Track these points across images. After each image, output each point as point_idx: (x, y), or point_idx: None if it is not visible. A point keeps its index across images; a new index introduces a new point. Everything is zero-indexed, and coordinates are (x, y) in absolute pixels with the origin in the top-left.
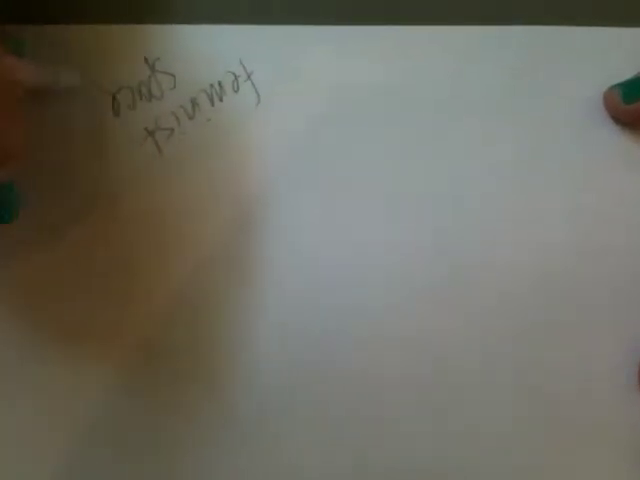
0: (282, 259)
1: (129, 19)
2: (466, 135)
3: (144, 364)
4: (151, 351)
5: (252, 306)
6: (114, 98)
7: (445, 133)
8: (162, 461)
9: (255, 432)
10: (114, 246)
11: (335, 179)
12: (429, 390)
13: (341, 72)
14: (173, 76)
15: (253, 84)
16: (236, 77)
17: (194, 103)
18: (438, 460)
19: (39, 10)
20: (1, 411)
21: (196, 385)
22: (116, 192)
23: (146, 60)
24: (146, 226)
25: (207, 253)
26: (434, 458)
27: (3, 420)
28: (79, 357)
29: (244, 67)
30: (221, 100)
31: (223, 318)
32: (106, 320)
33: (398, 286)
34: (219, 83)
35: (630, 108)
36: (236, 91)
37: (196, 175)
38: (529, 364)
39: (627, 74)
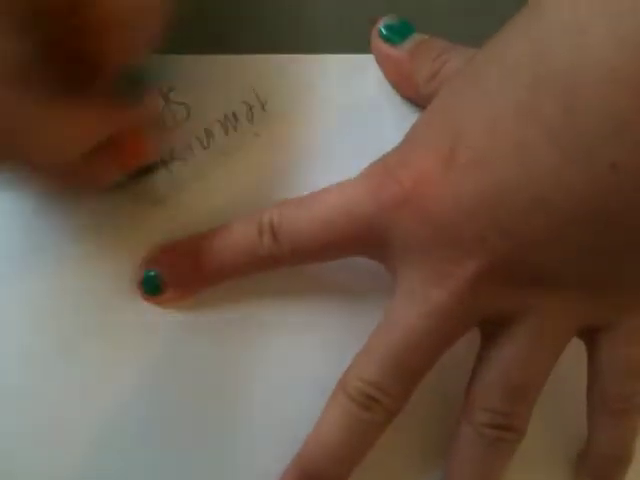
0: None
1: None
2: None
3: None
4: None
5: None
6: None
7: None
8: None
9: None
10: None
11: None
12: None
13: (355, 99)
14: (187, 107)
15: (267, 114)
16: (250, 107)
17: (208, 133)
18: None
19: None
20: None
21: None
22: (131, 223)
23: (160, 90)
24: None
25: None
26: None
27: None
28: None
29: (258, 97)
30: (235, 130)
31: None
32: None
33: None
34: (233, 114)
35: (398, 54)
36: (250, 121)
37: (212, 205)
38: None
39: None
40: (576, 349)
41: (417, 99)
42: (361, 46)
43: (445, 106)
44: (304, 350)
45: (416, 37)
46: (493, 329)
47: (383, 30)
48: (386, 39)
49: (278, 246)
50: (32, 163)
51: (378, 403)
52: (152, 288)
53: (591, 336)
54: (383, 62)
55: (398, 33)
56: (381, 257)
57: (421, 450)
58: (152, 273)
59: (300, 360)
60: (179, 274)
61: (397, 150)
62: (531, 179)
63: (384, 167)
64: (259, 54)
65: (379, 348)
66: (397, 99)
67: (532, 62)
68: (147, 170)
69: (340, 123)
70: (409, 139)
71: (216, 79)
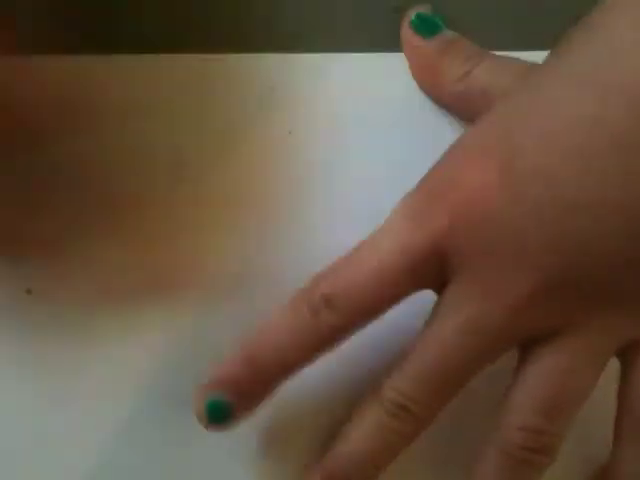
0: None
1: (159, 48)
2: None
3: None
4: None
5: None
6: None
7: None
8: None
9: None
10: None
11: (366, 206)
12: None
13: (371, 99)
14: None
15: (283, 113)
16: (266, 106)
17: (225, 133)
18: None
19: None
20: None
21: None
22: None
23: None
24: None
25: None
26: None
27: None
28: None
29: (274, 96)
30: (252, 129)
31: None
32: None
33: None
34: (250, 113)
35: (428, 48)
36: (266, 120)
37: (232, 207)
38: None
39: None
40: None
41: (441, 98)
42: (380, 43)
43: (501, 120)
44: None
45: (448, 34)
46: (533, 343)
47: (415, 19)
48: (416, 29)
49: (339, 316)
50: None
51: (410, 414)
52: (219, 416)
53: (628, 354)
54: (411, 55)
55: (429, 25)
56: (437, 283)
57: (442, 465)
58: (217, 399)
59: (329, 361)
60: (245, 390)
61: (441, 169)
62: (596, 190)
63: (430, 193)
64: (277, 52)
65: (419, 359)
66: (417, 99)
67: (599, 75)
68: None
69: (359, 124)
70: (456, 155)
71: (233, 78)
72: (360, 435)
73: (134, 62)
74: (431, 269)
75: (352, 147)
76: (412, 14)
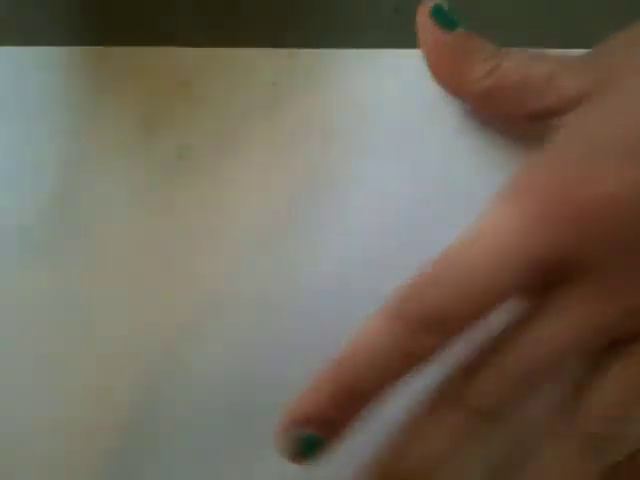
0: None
1: (162, 42)
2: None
3: None
4: None
5: None
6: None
7: (470, 150)
8: None
9: None
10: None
11: (367, 204)
12: None
13: (372, 95)
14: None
15: (285, 109)
16: (268, 101)
17: (225, 129)
18: None
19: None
20: None
21: None
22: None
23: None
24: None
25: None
26: None
27: None
28: None
29: (276, 91)
30: (253, 125)
31: None
32: None
33: None
34: (251, 107)
35: (449, 39)
36: (269, 116)
37: (223, 203)
38: None
39: None
40: None
41: (464, 94)
42: (380, 43)
43: (619, 108)
44: None
45: (463, 30)
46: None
47: (434, 10)
48: (436, 19)
49: (440, 336)
50: None
51: (495, 416)
52: (309, 452)
53: None
54: (430, 49)
55: (447, 19)
56: (540, 288)
57: None
58: (306, 435)
59: None
60: (336, 423)
61: (555, 172)
62: None
63: (547, 198)
64: (279, 48)
65: (517, 361)
66: (418, 96)
67: None
68: None
69: (360, 120)
70: (572, 157)
71: (236, 72)
72: (439, 437)
73: (132, 55)
74: (544, 275)
75: (353, 143)
76: (430, 4)
